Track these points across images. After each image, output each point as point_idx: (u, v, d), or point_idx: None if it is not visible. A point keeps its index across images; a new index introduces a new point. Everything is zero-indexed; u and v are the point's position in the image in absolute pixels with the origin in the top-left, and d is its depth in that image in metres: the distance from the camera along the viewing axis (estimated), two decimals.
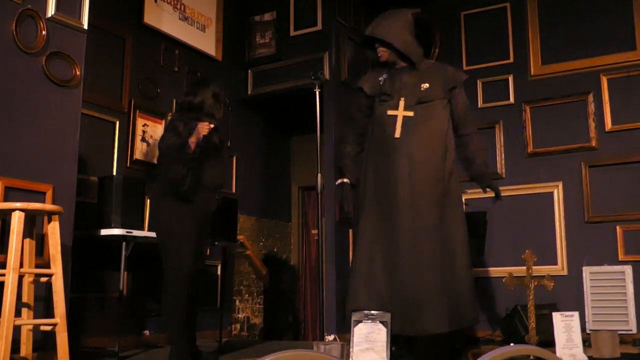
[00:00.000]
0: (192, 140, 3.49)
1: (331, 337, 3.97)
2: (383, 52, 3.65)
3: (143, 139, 5.08)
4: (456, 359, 3.59)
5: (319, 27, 5.90)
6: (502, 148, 5.78)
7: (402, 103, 3.56)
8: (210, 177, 3.64)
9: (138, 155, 5.02)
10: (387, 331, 3.08)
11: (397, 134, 3.52)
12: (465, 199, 5.82)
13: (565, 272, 5.34)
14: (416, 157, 3.47)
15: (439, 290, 3.32)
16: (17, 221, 2.95)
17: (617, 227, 5.21)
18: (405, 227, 3.41)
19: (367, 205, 3.57)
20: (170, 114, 5.32)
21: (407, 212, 3.42)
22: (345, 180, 3.76)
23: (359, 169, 3.72)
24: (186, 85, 5.50)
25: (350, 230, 5.68)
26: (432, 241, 3.39)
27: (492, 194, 3.70)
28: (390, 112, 3.57)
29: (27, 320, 3.19)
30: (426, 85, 3.57)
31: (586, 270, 5.20)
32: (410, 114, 3.53)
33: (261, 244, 6.53)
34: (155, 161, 5.12)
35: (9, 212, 3.00)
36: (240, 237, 5.51)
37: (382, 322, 3.09)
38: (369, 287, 3.43)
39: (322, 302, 3.70)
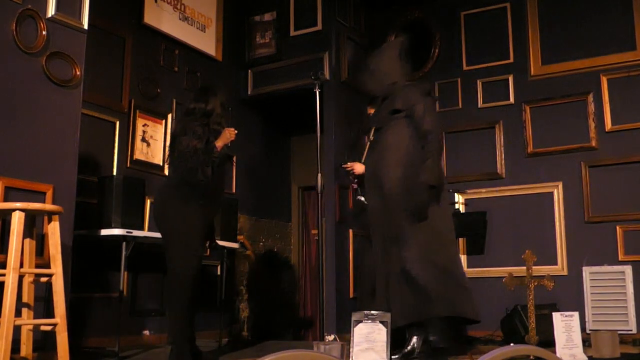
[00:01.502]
0: (219, 145, 3.54)
1: (331, 337, 3.97)
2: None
3: (143, 139, 5.08)
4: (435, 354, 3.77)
5: (319, 27, 5.90)
6: (502, 148, 5.78)
7: (372, 130, 4.03)
8: (222, 182, 3.75)
9: (138, 155, 5.02)
10: (387, 331, 3.08)
11: (362, 159, 4.04)
12: (465, 199, 5.84)
13: (565, 272, 5.34)
14: (375, 177, 3.88)
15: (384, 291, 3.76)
16: (17, 221, 2.95)
17: (617, 227, 5.22)
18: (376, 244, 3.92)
19: None
20: (170, 114, 5.32)
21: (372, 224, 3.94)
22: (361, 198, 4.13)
23: None
24: (186, 85, 5.51)
25: (351, 231, 5.69)
26: (382, 241, 3.84)
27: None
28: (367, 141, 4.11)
29: (27, 320, 3.19)
30: (385, 112, 3.98)
31: (586, 270, 5.20)
32: (372, 138, 4.02)
33: (261, 244, 6.53)
34: (155, 161, 5.14)
35: (9, 212, 3.00)
36: (240, 237, 5.51)
37: (382, 322, 3.09)
38: None
39: (322, 302, 3.70)
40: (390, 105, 3.94)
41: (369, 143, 4.00)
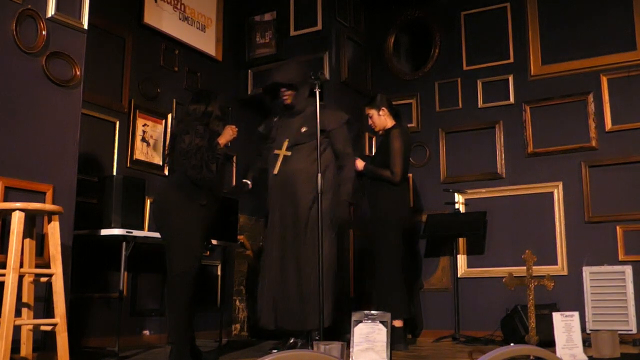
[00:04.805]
0: (222, 142, 3.60)
1: None
2: (288, 95, 4.30)
3: (143, 139, 5.08)
4: None
5: (319, 27, 5.90)
6: (502, 148, 5.78)
7: (285, 144, 4.26)
8: (222, 182, 3.78)
9: (138, 155, 5.02)
10: (387, 331, 3.08)
11: (275, 171, 4.24)
12: (465, 199, 5.84)
13: (565, 272, 5.34)
14: (289, 190, 4.18)
15: (287, 297, 4.13)
16: (17, 221, 2.95)
17: (617, 227, 5.22)
18: (275, 250, 4.21)
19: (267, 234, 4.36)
20: (170, 114, 5.32)
21: (277, 238, 4.22)
22: (247, 181, 4.48)
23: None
24: (186, 85, 5.51)
25: (351, 230, 5.69)
26: (291, 259, 4.16)
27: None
28: (276, 151, 4.28)
29: (27, 320, 3.19)
30: (305, 128, 4.24)
31: (586, 270, 5.20)
32: (289, 153, 4.23)
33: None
34: (155, 161, 5.14)
35: (9, 212, 3.00)
36: (240, 237, 5.51)
37: (382, 322, 3.09)
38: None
39: (322, 302, 3.70)
40: (308, 124, 4.20)
41: (282, 156, 4.24)
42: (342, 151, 4.33)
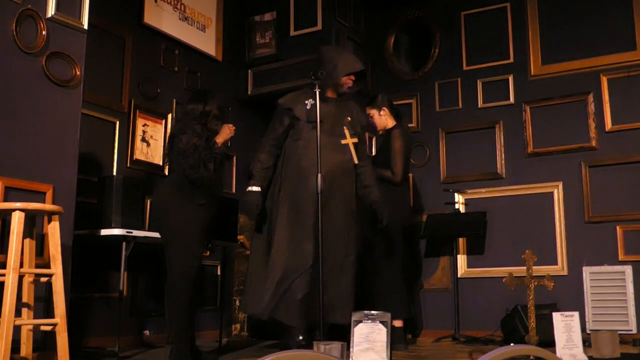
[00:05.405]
0: (220, 140, 3.60)
1: None
2: (352, 83, 4.21)
3: (143, 139, 5.08)
4: None
5: (319, 27, 5.90)
6: (502, 148, 5.78)
7: (347, 131, 4.09)
8: (221, 182, 3.80)
9: (138, 155, 5.02)
10: (387, 331, 3.08)
11: (357, 160, 4.10)
12: (465, 199, 5.84)
13: (565, 272, 5.34)
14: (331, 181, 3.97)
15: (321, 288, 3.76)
16: (17, 221, 2.95)
17: (617, 227, 5.21)
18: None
19: (279, 221, 4.06)
20: (170, 114, 5.32)
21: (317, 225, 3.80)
22: (257, 188, 4.12)
23: (271, 180, 4.21)
24: (186, 85, 5.51)
25: None
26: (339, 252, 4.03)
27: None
28: (343, 142, 4.07)
29: (27, 320, 3.19)
30: (349, 118, 4.16)
31: (586, 270, 5.20)
32: (356, 140, 4.12)
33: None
34: (155, 161, 5.14)
35: (9, 212, 3.00)
36: (240, 237, 5.51)
37: (382, 322, 3.09)
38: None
39: (322, 302, 3.69)
40: (350, 114, 4.17)
41: (352, 144, 4.11)
42: (364, 153, 4.32)
